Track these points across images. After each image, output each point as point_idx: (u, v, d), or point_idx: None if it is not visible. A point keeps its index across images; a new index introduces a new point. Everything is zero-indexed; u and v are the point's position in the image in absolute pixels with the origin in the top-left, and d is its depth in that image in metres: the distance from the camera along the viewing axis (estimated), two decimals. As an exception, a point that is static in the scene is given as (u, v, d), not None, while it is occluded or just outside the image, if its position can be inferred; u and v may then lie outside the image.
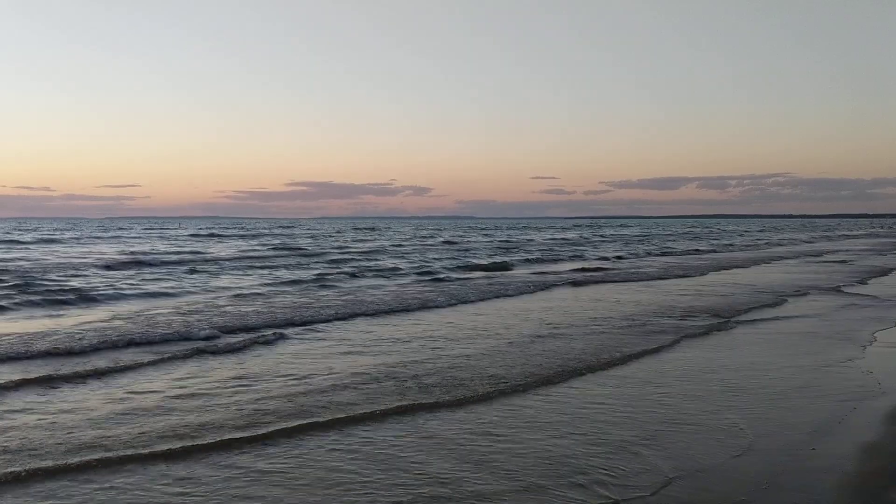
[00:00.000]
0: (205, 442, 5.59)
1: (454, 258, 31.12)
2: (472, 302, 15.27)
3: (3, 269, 20.97)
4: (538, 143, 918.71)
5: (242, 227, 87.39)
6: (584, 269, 24.46)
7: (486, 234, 64.99)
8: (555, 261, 30.76)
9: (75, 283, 17.87)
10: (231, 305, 14.00)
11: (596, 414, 6.47)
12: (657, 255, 36.03)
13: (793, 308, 14.00)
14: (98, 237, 51.89)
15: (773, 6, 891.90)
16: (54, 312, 13.20)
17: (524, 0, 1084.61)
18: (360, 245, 41.90)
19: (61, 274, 20.35)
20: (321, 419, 6.24)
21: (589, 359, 8.82)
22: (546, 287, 18.50)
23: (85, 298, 14.89)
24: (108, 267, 22.95)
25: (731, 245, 46.19)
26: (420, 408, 6.64)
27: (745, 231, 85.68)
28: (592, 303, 14.96)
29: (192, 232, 63.83)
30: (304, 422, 6.15)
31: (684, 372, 8.21)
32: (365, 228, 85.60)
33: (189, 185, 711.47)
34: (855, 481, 4.96)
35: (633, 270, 24.43)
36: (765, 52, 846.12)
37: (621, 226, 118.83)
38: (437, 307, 14.31)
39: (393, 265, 25.73)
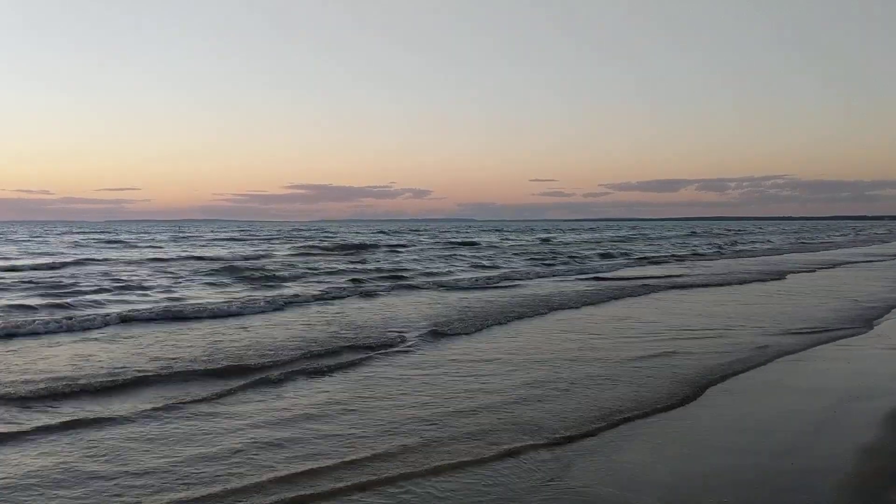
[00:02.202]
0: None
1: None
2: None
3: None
4: (538, 144, 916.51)
5: (278, 230, 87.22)
6: (675, 276, 23.25)
7: (532, 237, 64.96)
8: (630, 265, 30.32)
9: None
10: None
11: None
12: (721, 257, 35.61)
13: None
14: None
15: (772, 7, 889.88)
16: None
17: (524, 1, 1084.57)
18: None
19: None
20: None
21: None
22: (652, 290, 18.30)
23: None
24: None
25: (779, 248, 44.80)
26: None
27: (772, 232, 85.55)
28: (718, 308, 14.54)
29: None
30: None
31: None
32: (398, 232, 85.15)
33: (188, 187, 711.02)
34: (855, 481, 5.01)
35: (717, 273, 23.70)
36: (763, 54, 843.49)
37: (633, 228, 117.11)
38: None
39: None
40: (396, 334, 10.95)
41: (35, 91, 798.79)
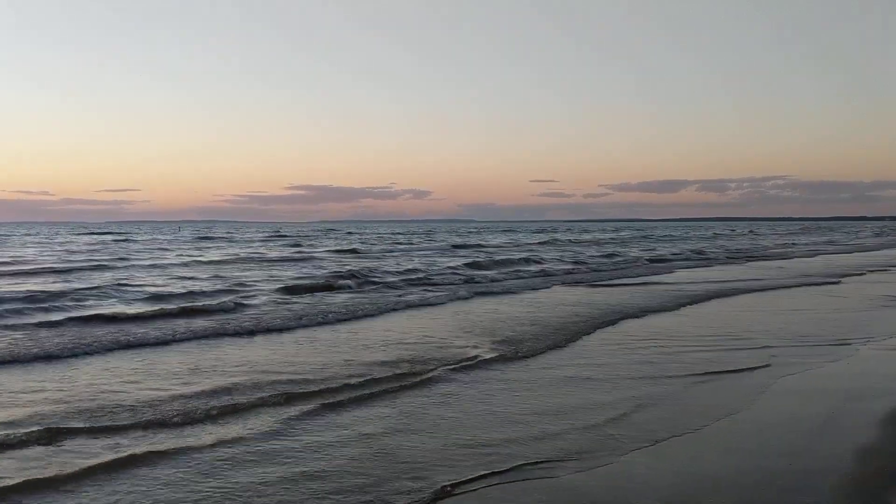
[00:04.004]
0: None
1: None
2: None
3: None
4: (538, 144, 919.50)
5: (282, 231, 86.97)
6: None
7: (552, 237, 65.31)
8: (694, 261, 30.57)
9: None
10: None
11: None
12: (770, 258, 34.92)
13: None
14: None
15: (772, 7, 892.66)
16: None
17: (524, 2, 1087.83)
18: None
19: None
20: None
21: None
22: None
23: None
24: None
25: (815, 250, 43.42)
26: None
27: (790, 233, 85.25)
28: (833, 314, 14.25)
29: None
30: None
31: None
32: (422, 233, 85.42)
33: (188, 188, 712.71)
34: (855, 482, 5.09)
35: (773, 277, 22.81)
36: (763, 54, 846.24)
37: (652, 229, 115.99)
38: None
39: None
40: (467, 347, 10.53)
41: (35, 91, 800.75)
